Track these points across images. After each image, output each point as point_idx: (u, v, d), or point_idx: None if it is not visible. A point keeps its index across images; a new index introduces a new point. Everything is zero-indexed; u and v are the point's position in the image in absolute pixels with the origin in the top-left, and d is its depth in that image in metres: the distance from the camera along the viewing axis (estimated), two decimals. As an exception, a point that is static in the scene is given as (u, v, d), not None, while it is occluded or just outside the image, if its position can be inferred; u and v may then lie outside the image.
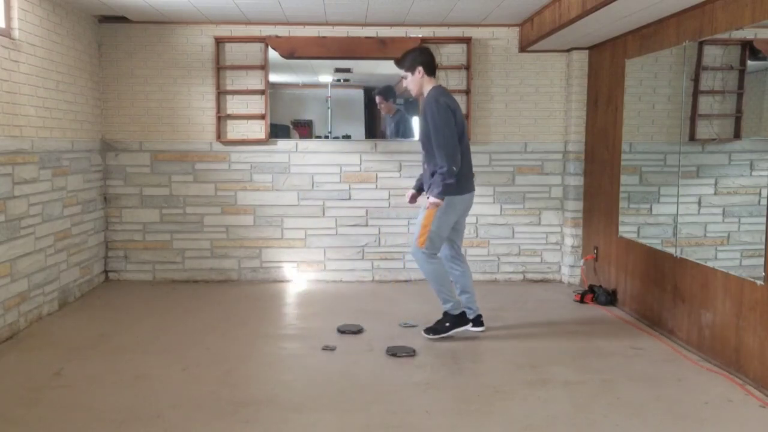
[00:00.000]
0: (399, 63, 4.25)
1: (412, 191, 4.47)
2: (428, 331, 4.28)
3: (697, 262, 4.03)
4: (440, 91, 4.19)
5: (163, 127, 5.81)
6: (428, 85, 4.21)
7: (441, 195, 4.05)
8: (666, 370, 3.73)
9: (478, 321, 4.39)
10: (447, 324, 4.25)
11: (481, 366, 3.84)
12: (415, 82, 4.21)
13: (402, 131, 6.17)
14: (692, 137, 4.19)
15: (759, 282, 3.39)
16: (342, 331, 4.40)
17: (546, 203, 6.00)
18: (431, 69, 4.22)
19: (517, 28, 5.81)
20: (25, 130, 4.40)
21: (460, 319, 4.28)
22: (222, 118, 5.82)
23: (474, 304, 4.39)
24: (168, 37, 5.74)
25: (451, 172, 3.99)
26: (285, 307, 5.19)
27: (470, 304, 4.38)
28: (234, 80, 5.81)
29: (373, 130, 6.36)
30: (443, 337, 4.23)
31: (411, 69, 4.19)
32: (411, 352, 3.95)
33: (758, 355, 3.43)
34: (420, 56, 4.19)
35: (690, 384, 3.53)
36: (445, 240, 4.25)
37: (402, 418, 3.07)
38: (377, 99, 6.16)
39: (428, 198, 4.14)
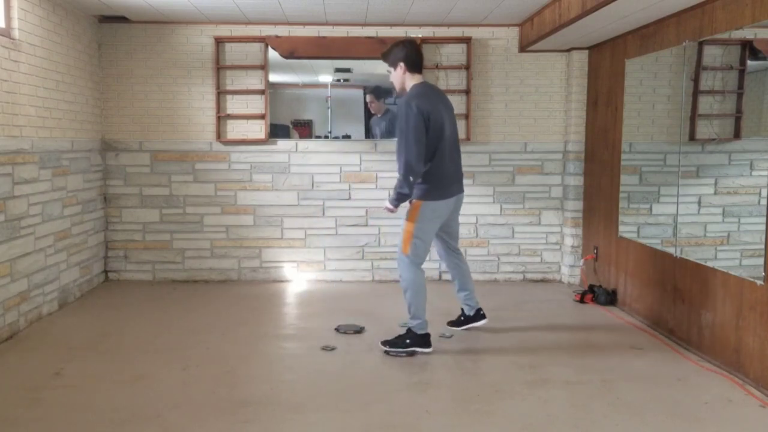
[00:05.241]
0: (384, 57, 4.04)
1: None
2: (385, 343, 4.00)
3: (697, 262, 4.03)
4: (417, 92, 3.90)
5: (163, 127, 5.81)
6: (411, 82, 3.97)
7: (394, 202, 3.93)
8: (666, 370, 3.73)
9: (478, 315, 4.37)
10: (408, 341, 3.95)
11: (481, 366, 3.84)
12: (397, 78, 3.99)
13: (393, 131, 6.16)
14: (692, 137, 4.19)
15: (759, 282, 3.39)
16: (342, 331, 4.40)
17: (546, 203, 6.00)
18: (414, 65, 3.96)
19: (517, 28, 5.81)
20: (25, 130, 4.40)
21: (422, 340, 3.95)
22: (222, 117, 5.81)
23: (473, 300, 4.36)
24: (168, 37, 5.74)
25: (407, 183, 3.80)
26: (285, 307, 5.19)
27: (469, 300, 4.36)
28: (234, 80, 5.81)
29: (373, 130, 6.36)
30: (399, 354, 3.93)
31: (393, 64, 3.97)
32: (411, 353, 3.95)
33: (758, 355, 3.43)
34: (402, 51, 3.94)
35: (690, 384, 3.53)
36: (429, 246, 4.08)
37: (402, 418, 3.07)
38: (368, 98, 6.15)
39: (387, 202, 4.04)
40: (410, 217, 3.96)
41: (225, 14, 5.39)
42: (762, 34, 3.72)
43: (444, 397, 3.35)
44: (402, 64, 3.96)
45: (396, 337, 4.03)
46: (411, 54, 3.96)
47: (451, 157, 4.01)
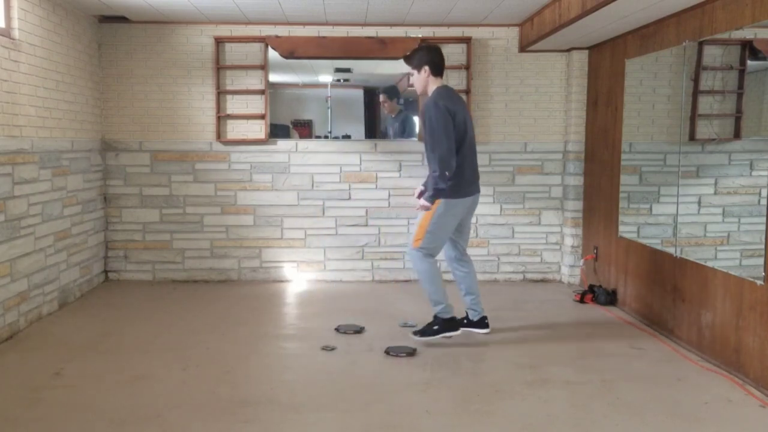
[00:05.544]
0: (407, 59, 4.20)
1: (420, 188, 4.37)
2: (417, 333, 4.16)
3: (697, 262, 4.03)
4: (441, 93, 4.07)
5: (163, 127, 5.81)
6: (433, 85, 4.13)
7: (431, 199, 4.01)
8: (666, 370, 3.73)
9: (482, 323, 4.36)
10: (436, 327, 4.13)
11: (481, 366, 3.84)
12: (420, 80, 4.15)
13: (406, 131, 6.17)
14: (692, 137, 4.19)
15: (759, 282, 3.39)
16: (342, 331, 4.40)
17: (546, 203, 6.00)
18: (438, 69, 4.13)
19: (517, 28, 5.81)
20: (25, 130, 4.40)
21: (450, 324, 4.14)
22: (222, 117, 5.82)
23: (479, 305, 4.36)
24: (168, 37, 5.74)
25: (443, 177, 3.92)
26: (285, 307, 5.19)
27: (474, 305, 4.36)
28: (234, 80, 5.81)
29: (373, 130, 6.36)
30: (432, 341, 4.11)
31: (417, 67, 4.13)
32: (411, 352, 3.95)
33: (758, 355, 3.43)
34: (427, 55, 4.11)
35: (690, 384, 3.53)
36: (443, 242, 4.19)
37: (402, 418, 3.07)
38: (381, 98, 6.16)
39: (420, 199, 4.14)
40: (427, 213, 4.07)
41: (225, 14, 5.39)
42: (762, 34, 3.72)
43: (444, 397, 3.35)
44: (427, 68, 4.12)
45: (425, 326, 4.18)
46: (436, 58, 4.15)
47: (470, 158, 4.17)
